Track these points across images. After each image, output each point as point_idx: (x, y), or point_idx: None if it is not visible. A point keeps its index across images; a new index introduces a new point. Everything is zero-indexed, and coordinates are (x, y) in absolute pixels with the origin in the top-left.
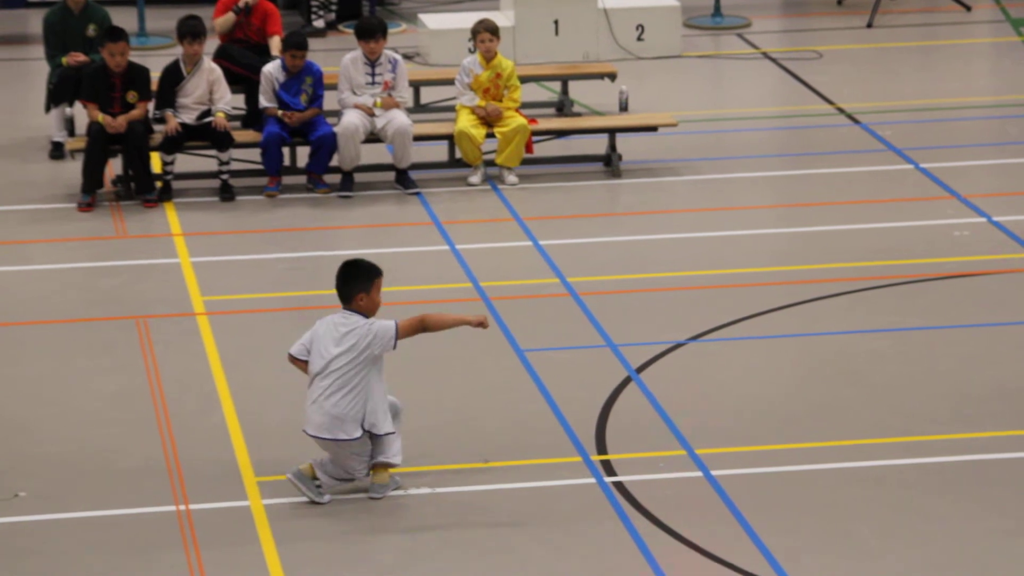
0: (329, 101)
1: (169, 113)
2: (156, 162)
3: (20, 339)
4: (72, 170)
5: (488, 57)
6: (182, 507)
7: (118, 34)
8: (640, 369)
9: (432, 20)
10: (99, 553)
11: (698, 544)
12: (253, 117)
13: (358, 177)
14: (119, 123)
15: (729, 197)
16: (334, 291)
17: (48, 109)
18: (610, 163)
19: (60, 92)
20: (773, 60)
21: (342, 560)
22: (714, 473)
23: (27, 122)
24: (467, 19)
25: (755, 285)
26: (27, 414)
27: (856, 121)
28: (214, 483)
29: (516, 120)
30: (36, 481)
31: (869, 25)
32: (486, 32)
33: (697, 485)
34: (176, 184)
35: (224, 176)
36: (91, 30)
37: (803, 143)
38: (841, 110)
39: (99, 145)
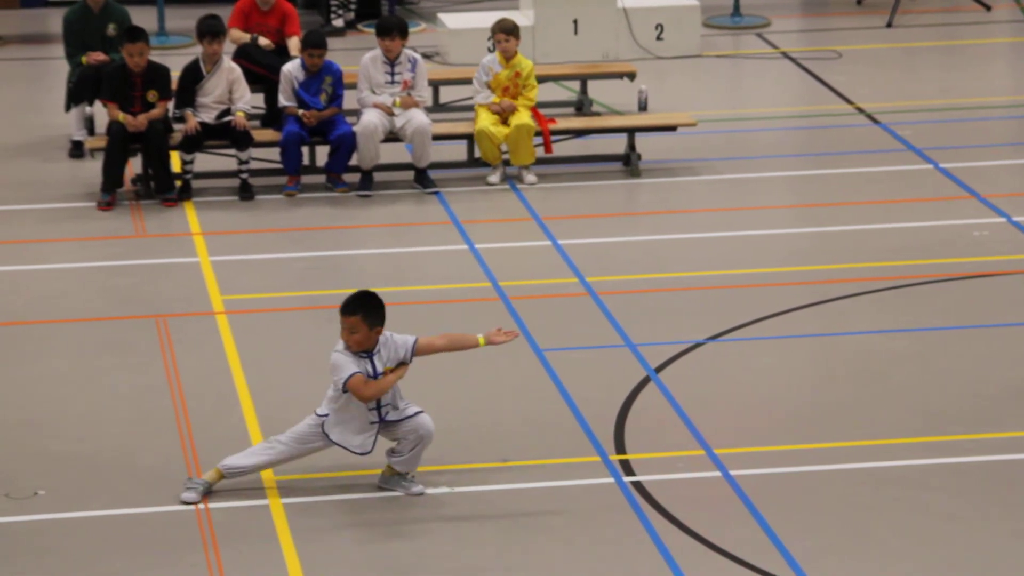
0: (349, 100)
1: (189, 112)
2: (176, 161)
3: (39, 338)
4: (92, 169)
5: (507, 56)
6: (201, 506)
7: (137, 34)
8: (659, 369)
9: (451, 19)
10: (118, 552)
11: (717, 544)
12: (272, 116)
13: (377, 176)
14: (139, 122)
15: (748, 197)
16: (354, 290)
17: (68, 108)
18: (629, 163)
19: (80, 91)
20: (793, 60)
21: (360, 558)
22: (733, 473)
23: (47, 121)
24: (486, 18)
25: (774, 285)
26: (46, 413)
27: (876, 121)
28: (233, 482)
29: (520, 119)
30: (55, 480)
31: (889, 25)
32: (502, 32)
33: (716, 485)
34: (195, 183)
35: (243, 175)
36: (111, 29)
37: (823, 143)
38: (861, 110)
39: (119, 144)
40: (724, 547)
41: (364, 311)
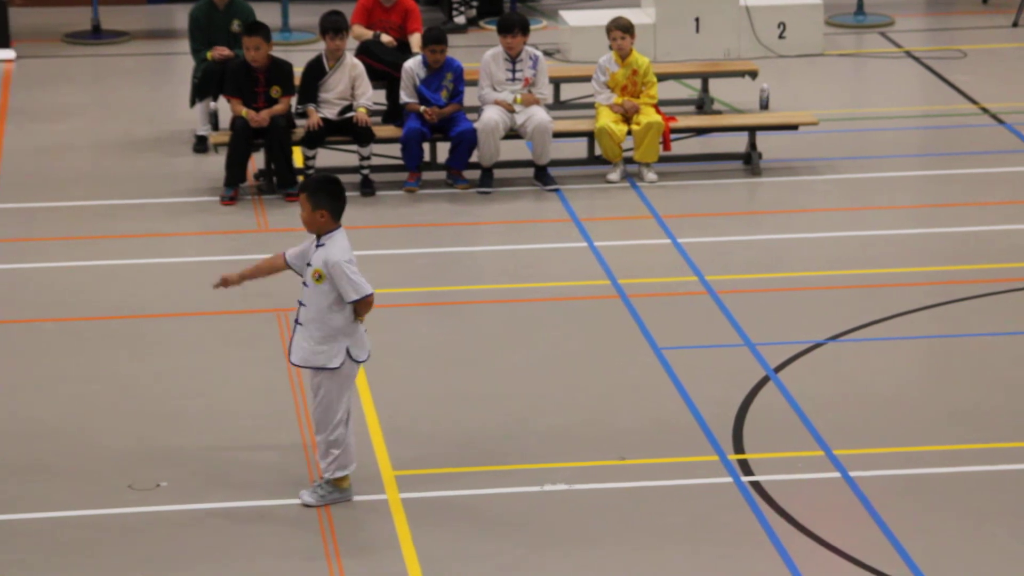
0: (470, 97)
1: (311, 108)
2: (298, 156)
3: (163, 331)
4: (215, 164)
5: (623, 55)
6: None
7: (255, 28)
8: (778, 368)
9: (573, 17)
10: (238, 544)
11: (835, 545)
12: (394, 113)
13: (497, 173)
14: (262, 117)
15: (870, 197)
16: (473, 286)
17: (193, 103)
18: (750, 161)
19: (204, 86)
20: (916, 59)
21: (478, 554)
22: (852, 474)
23: (172, 116)
24: (608, 16)
25: (895, 285)
26: (169, 405)
27: (1000, 121)
28: (352, 477)
29: (650, 116)
30: (177, 471)
31: (1015, 24)
32: (617, 30)
33: (835, 486)
34: None
35: (365, 171)
36: (236, 25)
37: (946, 143)
38: (985, 110)
39: (242, 139)
40: (843, 548)
41: (311, 191)
